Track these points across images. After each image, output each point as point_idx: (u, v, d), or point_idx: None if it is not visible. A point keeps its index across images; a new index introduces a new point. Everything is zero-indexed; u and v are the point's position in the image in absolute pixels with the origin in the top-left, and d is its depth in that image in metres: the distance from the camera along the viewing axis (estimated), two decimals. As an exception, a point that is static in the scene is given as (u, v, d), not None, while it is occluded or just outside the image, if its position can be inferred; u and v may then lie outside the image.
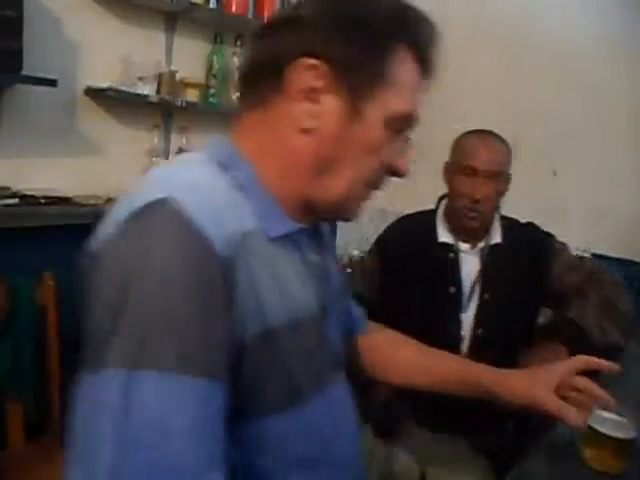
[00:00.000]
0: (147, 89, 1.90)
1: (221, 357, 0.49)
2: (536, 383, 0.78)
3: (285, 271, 0.59)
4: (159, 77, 1.97)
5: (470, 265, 1.31)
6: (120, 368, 0.44)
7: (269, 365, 0.55)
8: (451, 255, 1.31)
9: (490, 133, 1.30)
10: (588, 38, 2.54)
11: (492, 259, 1.30)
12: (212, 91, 2.14)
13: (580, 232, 1.38)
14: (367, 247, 3.56)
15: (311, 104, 0.58)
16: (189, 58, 2.13)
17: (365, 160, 0.61)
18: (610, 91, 2.43)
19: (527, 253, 1.31)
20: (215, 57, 2.14)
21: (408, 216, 1.48)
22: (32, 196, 1.63)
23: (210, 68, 2.15)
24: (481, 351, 1.26)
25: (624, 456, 0.81)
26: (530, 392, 0.77)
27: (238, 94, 0.69)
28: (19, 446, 1.52)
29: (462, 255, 1.32)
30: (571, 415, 0.72)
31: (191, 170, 0.58)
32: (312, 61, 0.56)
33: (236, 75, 2.22)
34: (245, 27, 2.22)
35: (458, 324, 1.28)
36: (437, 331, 1.26)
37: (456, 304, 1.29)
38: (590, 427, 0.81)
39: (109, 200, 1.84)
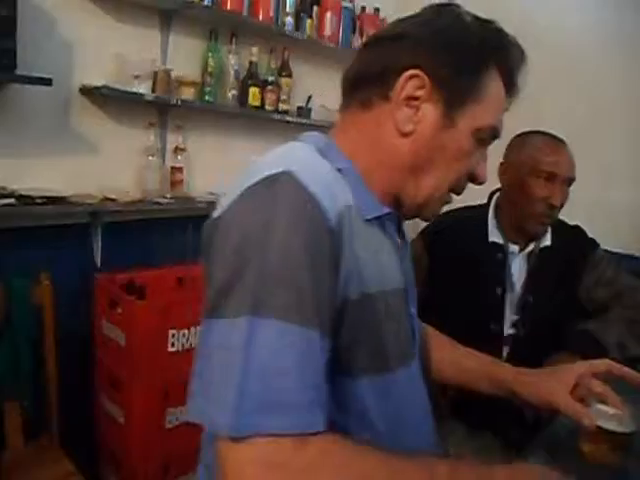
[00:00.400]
0: (142, 87, 1.89)
1: (328, 314, 0.56)
2: (554, 385, 0.81)
3: (377, 248, 0.67)
4: (154, 75, 1.96)
5: (518, 267, 1.31)
6: (244, 316, 0.51)
7: (363, 330, 0.62)
8: (500, 256, 1.30)
9: (556, 136, 1.28)
10: (584, 33, 2.55)
11: (540, 261, 1.30)
12: (208, 89, 2.13)
13: (586, 227, 1.37)
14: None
15: (412, 110, 0.65)
16: (184, 56, 2.13)
17: (453, 165, 0.68)
18: (606, 85, 2.43)
19: (570, 257, 1.31)
20: (210, 55, 2.13)
21: (458, 210, 1.42)
22: (28, 196, 1.62)
23: (205, 66, 2.14)
24: (522, 351, 1.26)
25: (622, 450, 0.81)
26: (548, 394, 0.80)
27: (234, 92, 0.77)
28: (18, 446, 1.52)
29: (510, 256, 1.31)
30: (586, 418, 0.75)
31: (300, 151, 0.65)
32: (418, 72, 0.64)
33: (232, 73, 2.21)
34: (240, 25, 2.21)
35: (501, 324, 1.29)
36: (480, 330, 1.28)
37: (501, 305, 1.29)
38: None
39: (105, 199, 1.84)
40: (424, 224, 1.46)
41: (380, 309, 0.64)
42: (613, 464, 0.81)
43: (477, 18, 0.69)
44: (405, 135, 0.66)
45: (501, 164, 1.33)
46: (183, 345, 1.68)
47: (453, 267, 1.32)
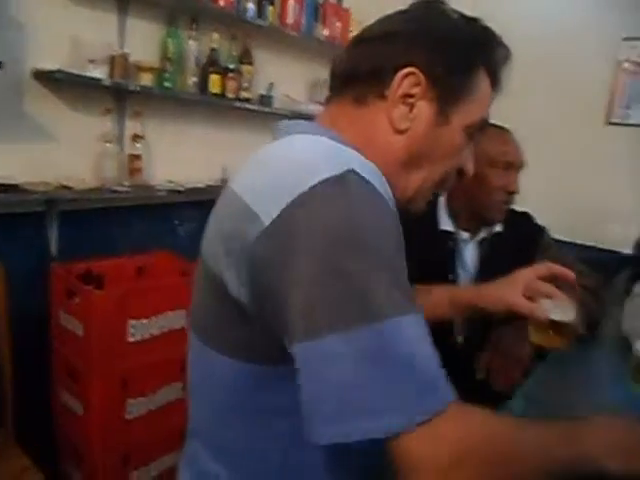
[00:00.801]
0: (98, 72, 1.84)
1: None
2: (507, 289, 0.96)
3: None
4: (111, 60, 1.91)
5: (469, 254, 1.34)
6: (387, 318, 0.50)
7: None
8: (450, 244, 1.33)
9: (501, 126, 1.33)
10: (554, 25, 2.60)
11: (491, 248, 1.34)
12: (167, 75, 2.09)
13: (541, 219, 1.43)
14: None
15: (407, 108, 0.66)
16: (142, 40, 2.08)
17: (445, 161, 0.70)
18: (577, 79, 2.50)
19: (521, 243, 1.35)
20: (170, 40, 2.09)
21: None
22: (-22, 183, 1.57)
23: (165, 51, 2.09)
24: (477, 337, 1.29)
25: (567, 336, 0.94)
26: (504, 299, 0.95)
27: (194, 79, 0.73)
28: (-29, 442, 1.48)
29: (462, 244, 1.34)
30: (537, 311, 0.91)
31: (334, 145, 0.63)
32: (414, 70, 0.65)
33: (192, 59, 2.18)
34: (201, 10, 2.17)
35: None
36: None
37: None
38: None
39: (61, 187, 1.79)
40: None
41: None
42: (558, 346, 0.95)
43: (463, 16, 0.70)
44: (400, 132, 0.67)
45: None
46: (142, 335, 1.67)
47: (406, 256, 1.35)
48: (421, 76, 0.65)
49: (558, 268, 0.95)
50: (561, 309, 0.92)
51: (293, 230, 0.52)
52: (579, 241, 2.40)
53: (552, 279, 0.94)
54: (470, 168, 0.75)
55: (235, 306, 0.59)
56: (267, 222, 0.54)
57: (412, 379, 0.50)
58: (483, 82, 0.69)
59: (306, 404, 0.52)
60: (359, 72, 0.68)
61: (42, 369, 1.82)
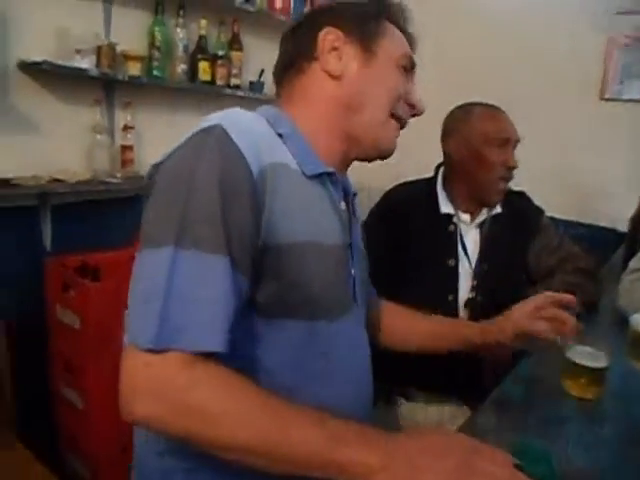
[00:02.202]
0: (86, 62, 1.81)
1: (246, 252, 0.63)
2: (516, 319, 0.94)
3: (314, 203, 0.74)
4: (98, 50, 1.88)
5: (470, 237, 1.34)
6: (167, 245, 0.59)
7: (291, 273, 0.68)
8: (451, 227, 1.33)
9: (492, 105, 1.34)
10: (527, 5, 2.58)
11: (492, 229, 1.34)
12: (155, 64, 2.07)
13: (536, 197, 1.43)
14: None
15: (336, 56, 0.78)
16: (129, 29, 2.05)
17: (386, 92, 0.79)
18: (570, 54, 2.48)
19: (519, 225, 1.36)
20: (157, 28, 2.06)
21: (406, 184, 1.47)
22: (-33, 179, 1.55)
23: (152, 40, 2.06)
24: (477, 318, 1.30)
25: (598, 383, 0.92)
26: (517, 325, 0.93)
27: (183, 67, 0.87)
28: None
29: (462, 226, 1.34)
30: (549, 334, 0.90)
31: (242, 115, 0.73)
32: (331, 29, 0.78)
33: (180, 47, 2.15)
34: (187, -4, 2.14)
35: (455, 293, 1.32)
36: (436, 301, 1.31)
37: (454, 275, 1.32)
38: (568, 359, 0.92)
39: (53, 181, 1.77)
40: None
41: (310, 259, 0.70)
42: (590, 396, 0.91)
43: None
44: (337, 78, 0.78)
45: (447, 140, 1.35)
46: (141, 326, 1.66)
47: (406, 241, 1.35)
48: (338, 31, 0.78)
49: (557, 296, 0.95)
50: (592, 356, 0.92)
51: (163, 167, 0.67)
52: (575, 219, 2.39)
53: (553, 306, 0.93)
54: (416, 100, 0.83)
55: None
56: (160, 159, 0.69)
57: (170, 312, 0.57)
58: (393, 28, 0.82)
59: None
60: (296, 52, 0.81)
61: (40, 364, 1.81)
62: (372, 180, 3.00)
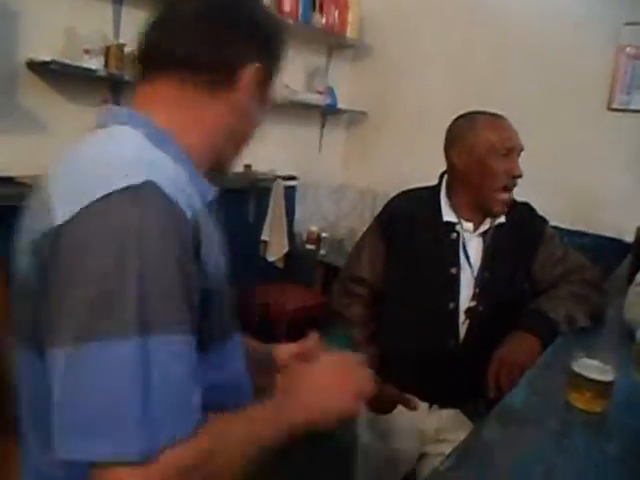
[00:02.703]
0: (94, 63, 1.82)
1: (194, 310, 0.59)
2: (280, 353, 0.95)
3: (213, 229, 0.69)
4: (106, 50, 1.89)
5: (472, 246, 1.33)
6: (134, 335, 0.51)
7: (215, 307, 0.67)
8: (454, 235, 1.32)
9: (495, 113, 1.33)
10: (554, 9, 2.57)
11: (495, 239, 1.33)
12: (163, 65, 2.07)
13: (542, 206, 1.42)
14: (325, 223, 3.55)
15: (253, 92, 0.73)
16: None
17: (251, 128, 0.78)
18: (578, 65, 2.47)
19: (523, 235, 1.34)
20: (165, 30, 2.06)
21: (410, 192, 1.46)
22: (-27, 176, 1.55)
23: (161, 41, 2.07)
24: (481, 326, 1.30)
25: (604, 396, 0.91)
26: (280, 359, 0.94)
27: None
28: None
29: (465, 235, 1.33)
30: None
31: (143, 149, 0.64)
32: (259, 66, 0.72)
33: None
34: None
35: (456, 301, 1.31)
36: (438, 309, 1.31)
37: (455, 283, 1.31)
38: (574, 372, 0.91)
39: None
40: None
41: (223, 291, 0.69)
42: (596, 409, 0.91)
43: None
44: (229, 112, 0.73)
45: (451, 149, 1.34)
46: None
47: (409, 250, 1.34)
48: (262, 71, 0.73)
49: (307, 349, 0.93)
50: (599, 369, 0.91)
51: (83, 233, 0.54)
52: (580, 229, 2.38)
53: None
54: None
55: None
56: (59, 220, 0.55)
57: (154, 409, 0.52)
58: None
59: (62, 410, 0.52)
60: (194, 59, 0.70)
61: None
62: (378, 185, 3.02)
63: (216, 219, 0.72)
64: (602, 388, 0.91)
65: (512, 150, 1.28)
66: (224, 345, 0.73)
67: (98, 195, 0.54)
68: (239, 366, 0.80)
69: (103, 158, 0.60)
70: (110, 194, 0.54)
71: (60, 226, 0.54)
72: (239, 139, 0.78)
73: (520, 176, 1.28)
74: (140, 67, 0.74)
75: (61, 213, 0.55)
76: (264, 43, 0.75)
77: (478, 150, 1.28)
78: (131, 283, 0.52)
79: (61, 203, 0.56)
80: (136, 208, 0.54)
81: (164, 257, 0.54)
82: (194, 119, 0.71)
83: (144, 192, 0.55)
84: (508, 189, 1.29)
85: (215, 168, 0.76)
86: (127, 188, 0.54)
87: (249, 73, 0.72)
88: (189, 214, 0.59)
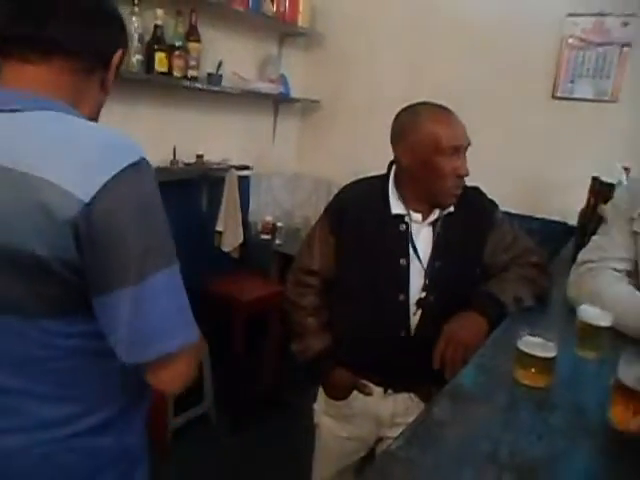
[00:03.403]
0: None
1: None
2: None
3: None
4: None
5: (422, 236, 1.32)
6: (173, 265, 0.75)
7: None
8: (403, 227, 1.31)
9: (441, 105, 1.29)
10: (483, 7, 2.63)
11: (444, 227, 1.32)
12: (110, 53, 2.01)
13: (490, 192, 1.44)
14: (280, 213, 3.53)
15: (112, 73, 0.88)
16: None
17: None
18: (523, 54, 2.54)
19: (473, 220, 1.35)
20: (111, 16, 2.00)
21: (358, 183, 1.44)
22: None
23: (106, 28, 2.00)
24: (430, 317, 1.31)
25: (548, 372, 0.95)
26: None
27: (139, 57, 0.86)
28: None
29: (414, 226, 1.32)
30: None
31: (107, 128, 0.76)
32: (123, 50, 0.88)
33: (136, 37, 2.10)
34: (142, -16, 2.09)
35: (406, 293, 1.31)
36: (388, 301, 1.32)
37: (405, 275, 1.31)
38: (519, 349, 0.96)
39: None
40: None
41: None
42: (541, 385, 0.95)
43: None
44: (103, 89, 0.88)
45: (395, 145, 1.32)
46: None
47: (358, 242, 1.34)
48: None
49: None
50: (542, 346, 0.95)
51: (116, 201, 0.68)
52: (528, 213, 2.47)
53: None
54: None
55: (46, 272, 0.69)
56: (87, 199, 0.66)
57: (187, 312, 0.77)
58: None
59: (134, 334, 0.72)
60: (79, 47, 0.79)
61: None
62: (333, 174, 3.03)
63: None
64: (545, 364, 0.95)
65: (459, 148, 1.25)
66: None
67: (110, 175, 0.68)
68: None
69: (99, 142, 0.72)
70: (121, 172, 0.69)
71: (88, 203, 0.66)
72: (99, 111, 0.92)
73: (466, 175, 1.28)
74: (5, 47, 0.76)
75: (80, 195, 0.66)
76: (123, 28, 0.89)
77: (423, 149, 1.25)
78: (164, 229, 0.74)
79: (74, 186, 0.67)
80: (143, 177, 0.73)
81: (162, 211, 0.75)
82: (83, 100, 0.84)
83: (144, 166, 0.73)
84: (456, 188, 1.28)
85: None
86: (132, 165, 0.70)
87: (117, 56, 0.87)
88: None
